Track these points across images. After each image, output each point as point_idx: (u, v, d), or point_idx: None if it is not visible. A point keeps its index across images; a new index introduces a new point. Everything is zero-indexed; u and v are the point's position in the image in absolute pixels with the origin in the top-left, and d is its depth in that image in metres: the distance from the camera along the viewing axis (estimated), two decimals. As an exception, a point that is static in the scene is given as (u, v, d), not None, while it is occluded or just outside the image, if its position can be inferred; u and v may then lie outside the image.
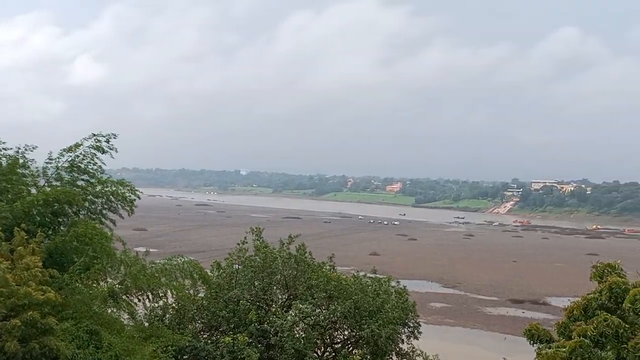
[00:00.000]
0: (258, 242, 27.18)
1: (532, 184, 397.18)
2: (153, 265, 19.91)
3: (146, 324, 21.57)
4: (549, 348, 13.20)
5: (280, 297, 27.07)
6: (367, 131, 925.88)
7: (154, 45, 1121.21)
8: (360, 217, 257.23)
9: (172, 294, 21.47)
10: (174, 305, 24.24)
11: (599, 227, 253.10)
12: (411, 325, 28.00)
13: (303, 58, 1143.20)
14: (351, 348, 26.12)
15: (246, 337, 22.12)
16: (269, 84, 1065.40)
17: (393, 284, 28.39)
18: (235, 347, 21.78)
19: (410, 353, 27.40)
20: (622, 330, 11.70)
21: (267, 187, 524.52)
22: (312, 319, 23.95)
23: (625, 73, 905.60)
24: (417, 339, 28.10)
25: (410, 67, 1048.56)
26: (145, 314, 23.09)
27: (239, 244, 27.21)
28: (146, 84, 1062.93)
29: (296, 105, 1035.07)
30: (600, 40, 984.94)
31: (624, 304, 11.72)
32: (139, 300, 20.26)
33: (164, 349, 18.39)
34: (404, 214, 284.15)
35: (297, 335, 23.56)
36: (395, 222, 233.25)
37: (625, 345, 11.64)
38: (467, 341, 66.02)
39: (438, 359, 28.16)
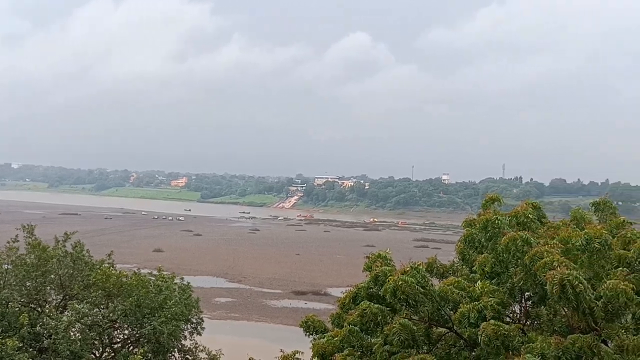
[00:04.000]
0: (30, 239, 25.85)
1: (316, 179, 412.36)
2: None
3: None
4: (323, 338, 13.88)
5: (55, 297, 26.02)
6: (153, 125, 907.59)
7: None
8: (143, 212, 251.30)
9: None
10: None
11: (376, 220, 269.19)
12: (194, 321, 28.08)
13: (96, 49, 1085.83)
14: (132, 347, 25.57)
15: (17, 342, 20.75)
16: (56, 74, 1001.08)
17: (177, 280, 28.27)
18: (3, 353, 20.37)
19: (193, 349, 27.54)
20: (380, 317, 12.63)
21: (42, 181, 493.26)
22: (89, 319, 23.17)
23: (406, 78, 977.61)
24: (201, 335, 28.29)
25: (207, 63, 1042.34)
26: None
27: (8, 243, 25.81)
28: None
29: (81, 97, 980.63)
30: (387, 47, 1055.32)
31: (382, 292, 12.64)
32: None
33: None
34: (190, 210, 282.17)
35: (73, 337, 22.67)
36: (181, 218, 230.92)
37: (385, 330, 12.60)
38: (251, 334, 67.18)
39: (221, 354, 28.48)
